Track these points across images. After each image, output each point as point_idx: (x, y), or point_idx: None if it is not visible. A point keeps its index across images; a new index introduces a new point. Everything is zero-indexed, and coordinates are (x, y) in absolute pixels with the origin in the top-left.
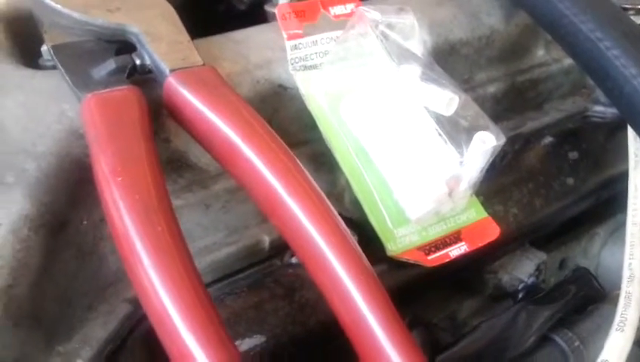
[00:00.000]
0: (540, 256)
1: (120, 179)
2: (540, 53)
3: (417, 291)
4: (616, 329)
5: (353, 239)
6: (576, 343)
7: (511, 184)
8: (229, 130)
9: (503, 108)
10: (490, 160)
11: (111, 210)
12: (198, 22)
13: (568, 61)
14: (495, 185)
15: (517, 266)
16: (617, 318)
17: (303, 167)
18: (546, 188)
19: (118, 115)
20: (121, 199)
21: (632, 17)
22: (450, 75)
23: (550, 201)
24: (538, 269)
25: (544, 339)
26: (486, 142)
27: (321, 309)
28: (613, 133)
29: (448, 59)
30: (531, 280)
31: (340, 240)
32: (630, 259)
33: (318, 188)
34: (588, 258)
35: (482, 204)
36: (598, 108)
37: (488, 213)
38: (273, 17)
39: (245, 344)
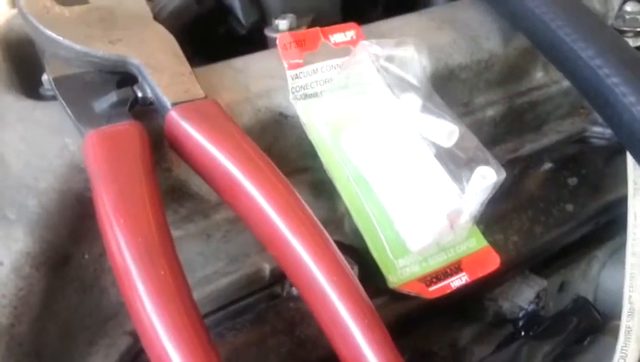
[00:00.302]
0: (540, 283)
1: (123, 221)
2: (539, 75)
3: (417, 319)
4: None
5: (352, 273)
6: None
7: (511, 211)
8: (230, 165)
9: (501, 131)
10: (491, 195)
11: (114, 252)
12: (199, 45)
13: (567, 82)
14: (495, 212)
15: (517, 293)
16: (617, 354)
17: (303, 202)
18: (546, 214)
19: (120, 153)
20: (124, 241)
21: (630, 39)
22: (449, 99)
23: (550, 228)
24: (538, 296)
25: None
26: (487, 178)
27: (322, 344)
28: (611, 158)
29: (448, 84)
30: (531, 307)
31: (338, 276)
32: (630, 291)
33: (318, 223)
34: (587, 281)
35: (482, 233)
36: (597, 128)
37: (488, 242)
38: (273, 41)
39: None
